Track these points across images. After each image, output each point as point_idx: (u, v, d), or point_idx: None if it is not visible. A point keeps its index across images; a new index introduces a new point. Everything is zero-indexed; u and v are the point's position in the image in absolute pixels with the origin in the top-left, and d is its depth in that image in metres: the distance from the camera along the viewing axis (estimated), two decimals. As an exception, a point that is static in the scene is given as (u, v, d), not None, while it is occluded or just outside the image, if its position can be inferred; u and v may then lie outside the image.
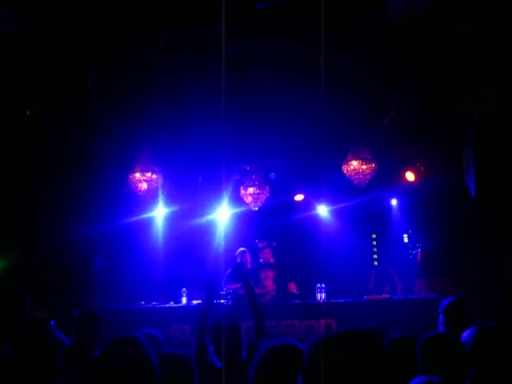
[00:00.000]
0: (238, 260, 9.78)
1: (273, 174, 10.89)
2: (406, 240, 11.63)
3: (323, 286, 9.24)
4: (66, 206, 9.39)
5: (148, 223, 10.92)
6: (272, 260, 9.88)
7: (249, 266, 9.83)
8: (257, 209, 10.37)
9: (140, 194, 9.60)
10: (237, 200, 10.69)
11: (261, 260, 9.90)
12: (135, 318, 8.68)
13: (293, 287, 9.56)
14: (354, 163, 9.19)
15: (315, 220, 11.48)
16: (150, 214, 10.86)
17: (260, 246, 9.95)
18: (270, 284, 9.67)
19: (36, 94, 7.63)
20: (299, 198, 11.44)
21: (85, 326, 4.80)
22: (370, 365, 1.86)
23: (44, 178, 8.98)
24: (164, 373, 2.81)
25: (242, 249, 10.05)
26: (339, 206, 11.17)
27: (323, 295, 9.19)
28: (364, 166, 9.16)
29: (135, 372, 2.42)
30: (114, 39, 6.81)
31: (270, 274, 9.68)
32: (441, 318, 4.91)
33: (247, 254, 9.92)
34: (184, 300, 9.45)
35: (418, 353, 3.38)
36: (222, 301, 9.09)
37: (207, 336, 4.63)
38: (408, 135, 9.13)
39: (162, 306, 9.39)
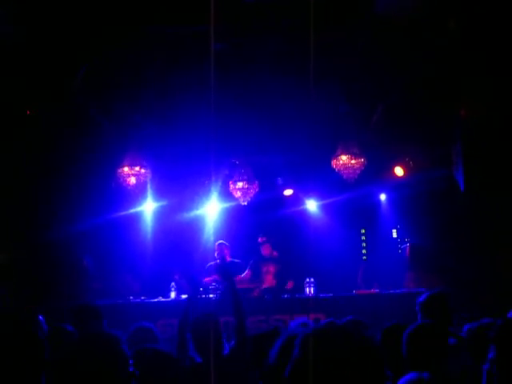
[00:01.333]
0: (216, 254, 9.75)
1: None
2: (394, 235, 11.66)
3: (312, 280, 9.24)
4: (55, 202, 9.34)
5: (136, 218, 10.88)
6: (275, 254, 9.84)
7: (227, 259, 9.76)
8: (246, 203, 10.35)
9: (128, 188, 9.57)
10: (226, 195, 10.67)
11: (263, 254, 9.85)
12: (124, 313, 8.64)
13: (290, 285, 9.55)
14: (344, 158, 9.19)
15: (304, 215, 11.48)
16: (139, 209, 10.82)
17: (260, 240, 9.90)
18: (269, 279, 9.64)
19: (25, 93, 7.60)
20: (288, 192, 11.43)
21: (85, 321, 4.70)
22: (357, 356, 1.85)
23: (31, 176, 8.93)
24: (144, 368, 2.81)
25: (220, 241, 9.98)
26: (328, 200, 11.17)
27: (312, 290, 9.20)
28: (353, 161, 9.17)
29: (104, 369, 2.39)
30: (102, 37, 6.79)
31: (272, 268, 9.66)
32: (419, 315, 4.78)
33: (225, 247, 9.82)
34: (173, 295, 9.43)
35: (404, 344, 3.36)
36: (211, 295, 9.09)
37: (188, 331, 4.64)
38: (397, 131, 9.15)
39: (150, 300, 9.37)
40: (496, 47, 6.77)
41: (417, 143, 9.53)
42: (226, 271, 5.58)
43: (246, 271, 9.68)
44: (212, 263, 9.83)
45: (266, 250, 9.77)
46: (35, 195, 9.09)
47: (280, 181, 10.92)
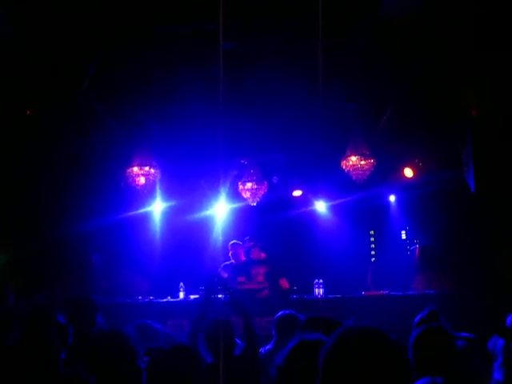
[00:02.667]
0: (231, 254, 9.75)
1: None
2: (403, 236, 11.63)
3: (321, 281, 9.22)
4: (64, 202, 9.37)
5: (145, 218, 10.90)
6: (263, 256, 9.83)
7: (242, 259, 9.76)
8: (255, 204, 10.34)
9: (138, 188, 9.58)
10: (235, 195, 10.67)
11: (252, 257, 9.84)
12: (132, 313, 8.65)
13: (284, 283, 9.52)
14: (353, 159, 9.16)
15: (313, 216, 11.47)
16: (148, 209, 10.83)
17: (247, 245, 9.89)
18: (260, 280, 9.63)
19: (34, 93, 7.62)
20: (297, 193, 11.42)
21: (81, 313, 4.70)
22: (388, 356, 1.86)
23: (41, 176, 8.96)
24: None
25: (233, 241, 9.97)
26: (337, 201, 11.16)
27: (321, 291, 9.18)
28: (363, 162, 9.14)
29: (118, 367, 2.40)
30: (109, 36, 6.79)
31: (261, 270, 9.63)
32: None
33: (239, 246, 9.83)
34: (181, 295, 9.43)
35: (411, 348, 3.34)
36: (220, 296, 9.08)
37: (201, 331, 4.69)
38: (407, 131, 9.11)
39: (159, 300, 9.37)
40: (508, 46, 6.72)
41: (426, 144, 9.48)
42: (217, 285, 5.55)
43: (238, 278, 9.63)
44: (227, 263, 9.83)
45: (254, 254, 9.75)
46: (45, 195, 9.12)
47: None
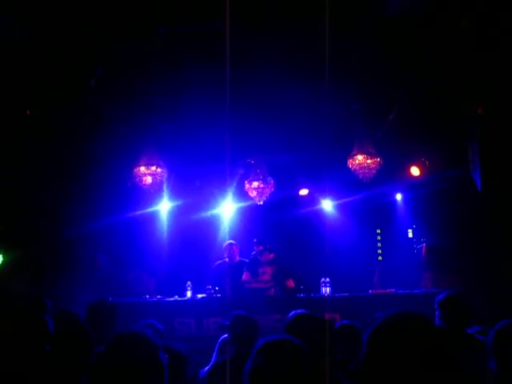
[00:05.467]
0: (226, 254, 9.76)
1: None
2: (410, 235, 11.61)
3: (328, 280, 9.23)
4: (71, 201, 9.41)
5: (152, 217, 10.93)
6: (271, 256, 9.83)
7: (236, 259, 9.76)
8: (261, 203, 10.34)
9: (144, 187, 9.60)
10: (241, 194, 10.68)
11: (260, 259, 9.82)
12: (140, 312, 8.69)
13: (291, 283, 9.53)
14: (360, 157, 9.15)
15: (320, 214, 11.47)
16: (155, 208, 10.87)
17: (256, 249, 9.87)
18: (266, 279, 9.64)
19: (41, 93, 7.65)
20: (304, 192, 11.42)
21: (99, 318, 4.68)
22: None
23: (48, 175, 9.00)
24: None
25: (230, 241, 9.99)
26: (344, 200, 11.17)
27: (328, 289, 9.18)
28: (369, 161, 9.12)
29: (140, 370, 2.40)
30: (116, 35, 6.81)
31: (268, 270, 9.64)
32: (437, 313, 4.76)
33: (235, 247, 9.84)
34: (189, 294, 9.45)
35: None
36: (227, 295, 9.10)
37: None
38: (413, 130, 9.10)
39: (166, 299, 9.40)
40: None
41: (433, 142, 9.48)
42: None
43: (245, 273, 9.63)
44: (220, 262, 9.84)
45: (264, 258, 9.74)
46: (52, 194, 9.16)
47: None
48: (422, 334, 1.90)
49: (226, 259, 9.81)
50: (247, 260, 9.80)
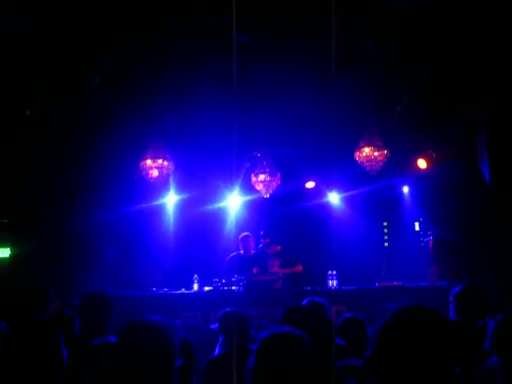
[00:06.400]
0: (241, 246, 9.75)
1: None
2: (417, 228, 11.58)
3: (334, 273, 9.22)
4: (78, 194, 9.41)
5: (159, 210, 10.94)
6: (278, 248, 9.83)
7: (252, 251, 9.76)
8: (268, 196, 10.33)
9: (151, 180, 9.60)
10: (248, 187, 10.67)
11: (268, 252, 9.83)
12: (146, 305, 8.70)
13: (299, 268, 9.55)
14: (367, 150, 9.12)
15: (326, 207, 11.45)
16: (161, 201, 10.87)
17: (263, 241, 9.88)
18: (275, 270, 9.65)
19: (47, 88, 7.65)
20: (310, 185, 11.40)
21: (93, 310, 4.62)
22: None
23: (54, 168, 9.01)
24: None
25: (245, 233, 9.95)
26: (350, 193, 11.14)
27: (335, 282, 9.17)
28: (376, 153, 9.09)
29: (154, 360, 2.39)
30: (123, 29, 6.80)
31: (276, 262, 9.65)
32: (452, 305, 4.71)
33: (250, 239, 9.83)
34: (195, 287, 9.46)
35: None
36: (234, 287, 9.10)
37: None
38: (420, 122, 9.06)
39: (173, 292, 9.40)
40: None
41: (440, 134, 9.43)
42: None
43: (254, 268, 9.63)
44: (234, 254, 9.85)
45: (271, 250, 9.75)
46: (58, 187, 9.17)
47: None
48: (429, 327, 1.90)
49: (241, 251, 9.79)
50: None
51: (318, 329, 3.12)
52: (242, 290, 9.02)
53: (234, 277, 9.19)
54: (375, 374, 1.90)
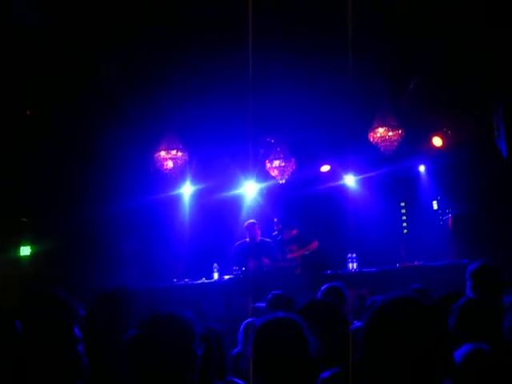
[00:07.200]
0: (248, 234, 9.64)
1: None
2: (435, 207, 11.50)
3: (354, 255, 9.20)
4: (95, 187, 9.43)
5: (176, 201, 10.95)
6: (295, 232, 9.79)
7: (258, 238, 9.60)
8: (283, 181, 10.29)
9: (166, 172, 9.60)
10: (263, 174, 10.64)
11: (284, 238, 9.78)
12: (168, 296, 8.74)
13: (314, 245, 9.55)
14: (381, 130, 9.05)
15: (343, 190, 11.39)
16: (178, 192, 10.88)
17: (276, 228, 9.84)
18: (294, 255, 9.64)
19: (60, 80, 7.66)
20: (326, 168, 11.35)
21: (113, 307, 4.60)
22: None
23: (71, 164, 9.05)
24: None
25: (250, 221, 9.82)
26: (366, 175, 11.07)
27: (355, 265, 9.16)
28: (390, 133, 9.02)
29: (174, 352, 2.40)
30: (134, 19, 6.77)
31: (294, 247, 9.64)
32: (468, 283, 4.72)
33: (256, 226, 9.66)
34: (216, 275, 9.48)
35: (455, 317, 3.33)
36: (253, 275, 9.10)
37: None
38: (434, 100, 8.97)
39: (194, 282, 9.44)
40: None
41: (455, 111, 9.33)
42: None
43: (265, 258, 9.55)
44: (240, 242, 9.69)
45: (286, 235, 9.71)
46: (75, 183, 9.21)
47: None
48: (410, 319, 1.88)
49: (247, 239, 9.64)
50: (269, 240, 9.72)
51: (334, 329, 3.14)
52: (262, 277, 9.02)
53: (252, 265, 9.17)
54: (367, 375, 1.90)
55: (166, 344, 2.40)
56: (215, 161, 10.48)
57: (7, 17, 6.21)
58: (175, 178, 10.00)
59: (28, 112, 8.37)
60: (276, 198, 11.15)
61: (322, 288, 5.20)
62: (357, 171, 11.17)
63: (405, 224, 11.82)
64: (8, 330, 2.89)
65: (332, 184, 11.32)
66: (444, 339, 1.89)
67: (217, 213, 10.98)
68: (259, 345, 2.47)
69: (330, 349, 2.90)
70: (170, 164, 9.53)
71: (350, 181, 11.39)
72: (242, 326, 5.09)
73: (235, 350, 4.88)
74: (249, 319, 5.19)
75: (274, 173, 10.24)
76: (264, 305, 5.16)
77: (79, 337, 2.85)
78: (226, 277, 9.33)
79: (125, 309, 4.54)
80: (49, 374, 2.69)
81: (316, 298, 3.98)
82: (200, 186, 10.88)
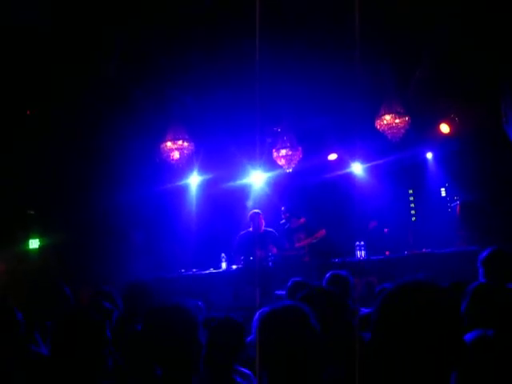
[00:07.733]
0: (252, 224, 9.54)
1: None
2: (443, 194, 11.46)
3: (362, 243, 9.19)
4: (101, 181, 9.45)
5: (183, 191, 10.96)
6: (302, 220, 9.76)
7: (262, 228, 9.45)
8: (290, 170, 10.27)
9: (173, 162, 9.59)
10: (270, 163, 10.62)
11: (292, 226, 9.76)
12: (177, 286, 8.77)
13: (321, 233, 9.55)
14: (387, 117, 9.01)
15: (350, 178, 11.37)
16: (185, 182, 10.89)
17: (284, 217, 9.82)
18: (302, 243, 9.63)
19: (64, 71, 7.65)
20: (333, 157, 11.32)
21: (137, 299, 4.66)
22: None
23: (79, 157, 9.05)
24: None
25: (255, 210, 9.68)
26: (374, 163, 11.04)
27: (363, 253, 9.16)
28: (397, 120, 8.98)
29: (178, 342, 2.43)
30: (139, 10, 6.74)
31: (302, 235, 9.63)
32: (481, 270, 4.70)
33: (260, 216, 9.51)
34: (224, 265, 9.49)
35: (466, 303, 3.31)
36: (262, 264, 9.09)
37: None
38: (441, 86, 8.91)
39: (202, 272, 9.45)
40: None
41: (462, 97, 9.26)
42: None
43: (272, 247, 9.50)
44: (244, 232, 9.55)
45: (294, 224, 9.69)
46: (82, 176, 9.22)
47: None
48: (423, 303, 1.87)
49: (251, 229, 9.50)
50: (272, 229, 9.62)
51: (336, 317, 3.13)
52: (270, 265, 9.01)
53: (260, 254, 9.16)
54: (379, 357, 1.89)
55: (170, 334, 2.42)
56: (222, 150, 10.45)
57: (7, 16, 6.19)
58: (182, 168, 9.99)
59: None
60: (283, 187, 11.13)
61: (326, 276, 5.21)
62: (364, 159, 11.14)
63: (413, 211, 11.79)
64: (10, 319, 2.94)
65: (339, 172, 11.30)
66: (456, 324, 1.88)
67: (224, 203, 10.97)
68: (266, 333, 2.46)
69: (332, 336, 2.89)
70: (176, 154, 9.53)
71: (358, 169, 11.37)
72: (257, 315, 5.09)
73: (248, 338, 4.89)
74: (265, 308, 5.18)
75: (281, 162, 10.22)
76: (284, 293, 5.14)
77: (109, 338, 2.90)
78: (234, 266, 9.34)
79: (147, 302, 4.60)
80: (76, 374, 2.74)
81: (316, 286, 3.96)
82: (207, 176, 10.89)
